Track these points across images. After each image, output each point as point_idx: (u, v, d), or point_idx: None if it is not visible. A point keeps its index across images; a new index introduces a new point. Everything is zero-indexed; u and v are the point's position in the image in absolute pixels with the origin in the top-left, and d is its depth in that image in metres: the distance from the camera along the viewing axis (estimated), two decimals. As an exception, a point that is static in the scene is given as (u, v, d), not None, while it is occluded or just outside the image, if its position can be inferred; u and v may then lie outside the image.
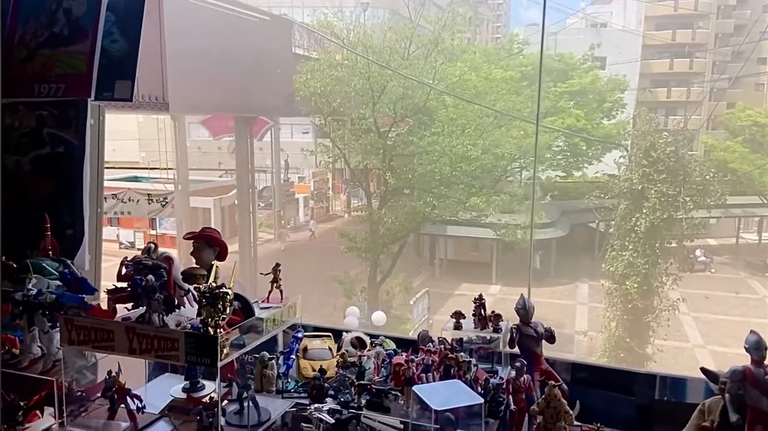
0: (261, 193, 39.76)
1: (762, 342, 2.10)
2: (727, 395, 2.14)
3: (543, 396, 2.33)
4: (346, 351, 2.82)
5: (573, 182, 35.46)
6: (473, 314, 2.77)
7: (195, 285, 2.46)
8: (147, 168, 26.54)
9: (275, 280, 2.86)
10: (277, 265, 2.90)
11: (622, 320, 17.22)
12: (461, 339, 2.69)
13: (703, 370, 2.32)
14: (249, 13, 21.32)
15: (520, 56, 36.10)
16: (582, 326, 26.09)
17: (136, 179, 26.21)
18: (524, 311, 2.66)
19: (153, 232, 24.44)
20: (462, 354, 2.45)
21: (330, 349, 2.88)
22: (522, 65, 34.94)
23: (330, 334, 3.02)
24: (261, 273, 2.98)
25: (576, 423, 2.39)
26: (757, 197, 34.30)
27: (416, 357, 2.58)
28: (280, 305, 2.80)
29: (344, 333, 2.98)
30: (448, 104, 24.15)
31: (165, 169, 23.23)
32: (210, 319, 2.26)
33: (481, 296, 2.77)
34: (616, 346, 17.10)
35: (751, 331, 2.17)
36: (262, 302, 2.81)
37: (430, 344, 2.61)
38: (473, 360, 2.46)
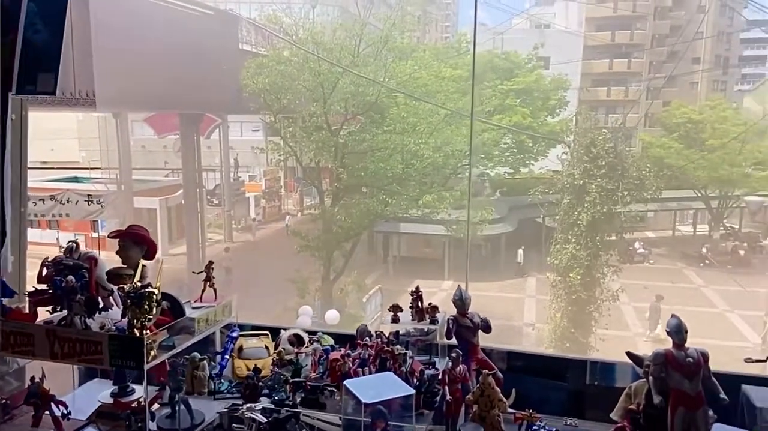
0: (213, 191, 38.96)
1: (683, 326, 2.19)
2: (650, 378, 2.21)
3: (478, 385, 2.36)
4: (284, 348, 2.78)
5: (520, 178, 36.26)
6: (410, 307, 2.78)
7: (120, 285, 2.37)
8: (87, 168, 25.49)
9: (208, 278, 2.80)
10: (210, 263, 2.83)
11: (566, 312, 17.77)
12: (398, 332, 2.69)
13: (629, 354, 2.40)
14: (192, 8, 20.76)
15: (468, 55, 36.66)
16: (530, 318, 26.76)
17: (76, 179, 25.16)
18: (461, 302, 2.68)
19: (95, 234, 23.52)
20: (398, 346, 2.46)
21: (266, 347, 2.83)
22: (470, 64, 35.48)
23: (267, 332, 2.97)
24: (193, 272, 2.91)
25: (510, 410, 2.43)
26: (691, 191, 36.01)
27: (353, 352, 2.56)
28: (214, 304, 2.73)
29: (282, 331, 2.93)
30: (400, 102, 24.24)
31: (107, 169, 22.37)
32: (136, 320, 2.18)
33: (418, 288, 2.78)
34: (561, 336, 17.63)
35: (672, 315, 2.25)
36: (195, 301, 2.73)
37: (368, 338, 2.60)
38: (409, 352, 2.46)
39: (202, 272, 2.82)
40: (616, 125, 26.49)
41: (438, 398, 2.42)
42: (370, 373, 2.40)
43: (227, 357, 2.75)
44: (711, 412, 2.17)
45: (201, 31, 21.63)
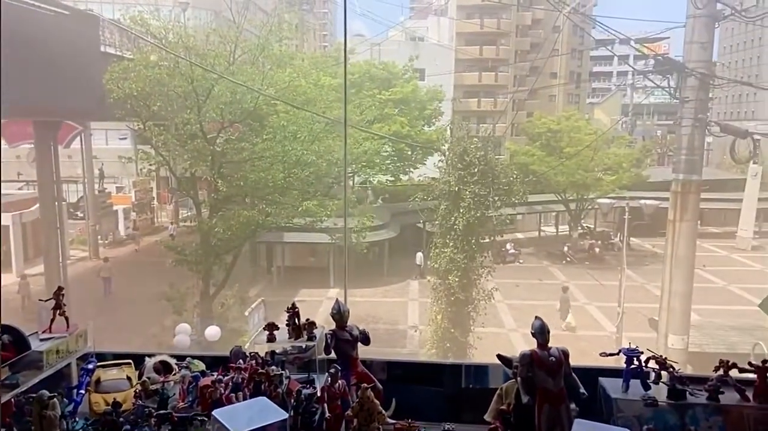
0: (77, 204, 35.76)
1: (545, 327, 2.31)
2: (518, 378, 2.31)
3: (357, 400, 2.32)
4: (148, 378, 2.54)
5: (401, 185, 37.27)
6: (287, 325, 2.68)
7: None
8: None
9: (58, 306, 2.50)
10: (60, 289, 2.53)
11: (446, 313, 18.46)
12: (274, 351, 2.58)
13: (499, 356, 2.49)
14: (45, 7, 18.91)
15: (348, 64, 37.10)
16: (414, 321, 27.50)
17: None
18: (339, 315, 2.64)
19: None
20: (273, 367, 2.35)
21: (128, 378, 2.58)
22: (349, 73, 35.92)
23: (130, 361, 2.71)
24: (41, 300, 2.59)
25: (390, 420, 2.42)
26: (553, 195, 39.19)
27: (226, 376, 2.41)
28: (65, 334, 2.44)
29: (146, 358, 2.69)
30: (280, 110, 23.84)
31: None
32: None
33: (294, 305, 2.69)
34: (442, 337, 18.27)
35: (536, 317, 2.37)
36: (43, 332, 2.42)
37: (241, 361, 2.46)
38: (285, 373, 2.36)
39: (50, 299, 2.52)
40: (486, 134, 28.08)
41: (317, 417, 2.35)
42: (245, 398, 2.27)
43: (82, 391, 2.46)
44: (573, 406, 2.31)
45: (56, 32, 19.78)
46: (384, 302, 30.36)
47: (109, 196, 35.71)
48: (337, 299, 2.68)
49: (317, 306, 30.21)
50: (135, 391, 2.46)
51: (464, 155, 17.42)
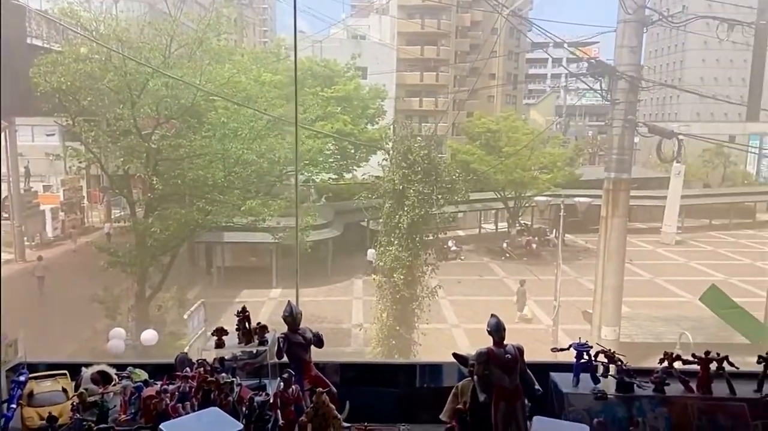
0: (1, 204, 33.60)
1: (501, 324, 2.32)
2: (475, 376, 2.31)
3: (311, 405, 2.26)
4: (86, 389, 2.37)
5: (344, 183, 37.16)
6: (237, 329, 2.57)
7: None
8: None
9: (-13, 316, 2.31)
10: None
11: (392, 311, 18.55)
12: (223, 358, 2.47)
13: (455, 355, 2.49)
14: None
15: (288, 61, 36.63)
16: (358, 319, 27.50)
17: None
18: (291, 318, 2.57)
19: None
20: (223, 374, 2.24)
21: (64, 390, 2.40)
22: (290, 70, 35.47)
23: (65, 372, 2.53)
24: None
25: (345, 424, 2.37)
26: (492, 193, 40.14)
27: (171, 386, 2.28)
28: (-10, 346, 2.25)
29: (83, 368, 2.51)
30: (218, 106, 23.23)
31: None
32: None
33: (244, 308, 2.59)
34: (388, 335, 18.36)
35: (492, 314, 2.38)
36: (-32, 345, 2.22)
37: (188, 369, 2.34)
38: (236, 380, 2.26)
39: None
40: (429, 133, 28.43)
41: (270, 425, 2.26)
42: (193, 409, 2.15)
43: (14, 406, 2.27)
44: (527, 403, 2.34)
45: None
46: (328, 301, 30.20)
47: (35, 195, 33.75)
48: (288, 301, 2.60)
49: (259, 307, 29.72)
50: (72, 404, 2.29)
51: (408, 153, 17.56)
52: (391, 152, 18.61)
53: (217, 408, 2.11)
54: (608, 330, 16.64)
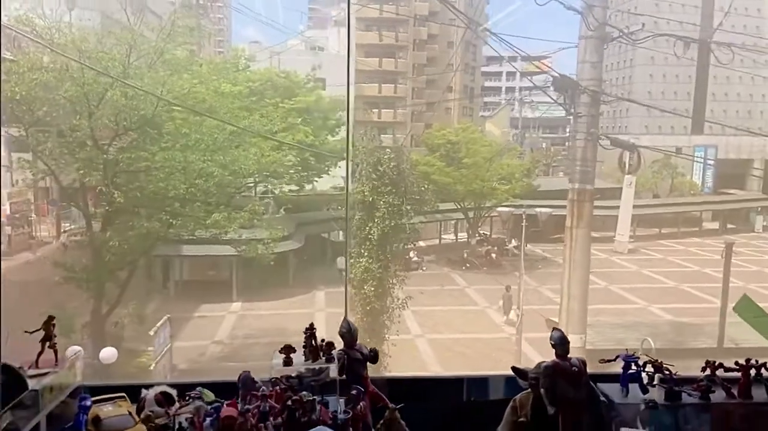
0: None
1: (565, 338, 2.42)
2: (542, 389, 2.38)
3: (382, 422, 2.29)
4: (152, 412, 2.32)
5: (305, 195, 36.99)
6: (304, 346, 2.58)
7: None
8: None
9: (48, 338, 2.25)
10: (51, 318, 2.28)
11: (362, 323, 18.53)
12: (289, 375, 2.47)
13: (514, 369, 2.56)
14: None
15: (247, 71, 36.32)
16: (321, 332, 27.29)
17: None
18: (349, 334, 2.60)
19: None
20: (303, 393, 2.25)
21: (130, 414, 2.34)
22: (250, 80, 35.17)
23: (124, 395, 2.47)
24: (26, 331, 2.32)
25: None
26: (452, 204, 40.74)
27: (248, 406, 2.27)
28: (56, 368, 2.20)
29: (143, 390, 2.45)
30: (176, 117, 22.80)
31: None
32: None
33: (312, 325, 2.61)
34: (360, 348, 18.30)
35: (555, 328, 2.47)
36: (29, 367, 2.16)
37: (264, 388, 2.32)
38: (317, 398, 2.27)
39: (38, 330, 2.26)
40: (392, 144, 28.73)
41: (348, 443, 2.27)
42: (277, 429, 2.14)
43: (82, 432, 2.21)
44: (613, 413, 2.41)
45: None
46: (289, 314, 29.88)
47: (-23, 209, 32.10)
48: (345, 318, 2.62)
49: (219, 321, 29.11)
50: (149, 427, 2.23)
51: (378, 165, 17.69)
52: (361, 163, 18.70)
53: (325, 427, 2.12)
54: (575, 338, 17.12)
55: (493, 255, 39.09)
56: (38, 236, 34.39)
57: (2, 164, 29.32)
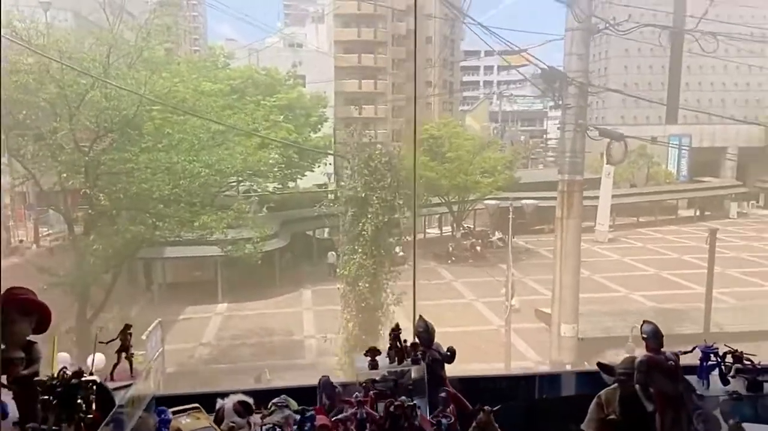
0: None
1: (659, 331, 2.35)
2: (637, 386, 2.32)
3: (475, 424, 2.20)
4: (233, 423, 2.21)
5: (289, 192, 36.69)
6: (390, 348, 2.48)
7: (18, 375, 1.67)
8: None
9: (125, 348, 2.12)
10: (128, 327, 2.15)
11: (357, 320, 18.45)
12: (374, 379, 2.37)
13: (599, 364, 2.48)
14: None
15: (227, 69, 35.87)
16: (310, 330, 27.15)
17: None
18: (427, 333, 2.52)
19: None
20: (403, 397, 2.15)
21: (212, 426, 2.22)
22: (230, 78, 34.72)
23: (198, 405, 2.34)
24: (101, 342, 2.19)
25: None
26: (437, 198, 40.80)
27: (344, 413, 2.16)
28: (133, 380, 2.07)
29: (218, 400, 2.33)
30: (159, 117, 22.39)
31: None
32: (69, 425, 1.57)
33: (397, 326, 2.51)
34: (354, 345, 18.21)
35: (646, 321, 2.41)
36: (106, 381, 2.03)
37: (357, 393, 2.22)
38: (417, 403, 2.17)
39: (114, 340, 2.13)
40: (376, 140, 28.63)
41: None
42: (377, 437, 2.04)
43: (166, 448, 2.09)
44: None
45: None
46: (275, 313, 29.65)
47: (-50, 215, 31.14)
48: (421, 316, 2.54)
49: (205, 322, 28.74)
50: None
51: (369, 160, 17.59)
52: (351, 159, 18.56)
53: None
54: (567, 328, 17.29)
55: (478, 248, 39.28)
56: (15, 241, 33.54)
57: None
